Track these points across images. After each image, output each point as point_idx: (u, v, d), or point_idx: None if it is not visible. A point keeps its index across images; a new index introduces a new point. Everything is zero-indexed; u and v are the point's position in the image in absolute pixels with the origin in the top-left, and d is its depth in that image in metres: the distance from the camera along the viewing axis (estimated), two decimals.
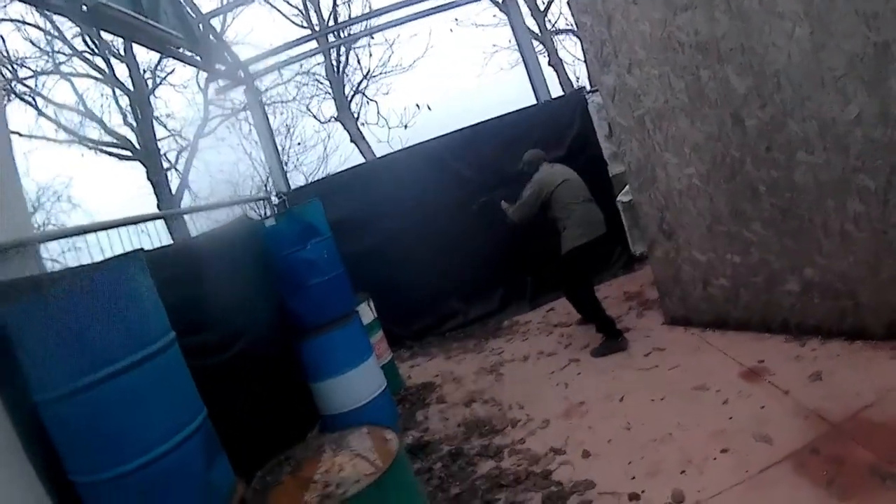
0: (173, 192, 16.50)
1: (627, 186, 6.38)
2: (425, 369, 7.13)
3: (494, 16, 18.40)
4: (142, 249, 3.24)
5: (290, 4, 17.90)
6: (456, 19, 18.71)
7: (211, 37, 7.19)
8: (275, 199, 7.52)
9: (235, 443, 3.80)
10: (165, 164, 17.17)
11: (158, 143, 16.82)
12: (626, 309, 6.62)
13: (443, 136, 8.16)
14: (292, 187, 8.85)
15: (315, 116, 19.06)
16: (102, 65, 16.07)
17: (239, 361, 4.64)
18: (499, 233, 7.26)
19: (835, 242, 4.23)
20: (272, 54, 8.72)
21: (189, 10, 6.75)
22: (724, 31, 4.33)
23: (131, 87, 16.14)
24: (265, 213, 6.65)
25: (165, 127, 18.03)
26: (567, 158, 7.45)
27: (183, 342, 3.63)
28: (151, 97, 16.78)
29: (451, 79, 31.67)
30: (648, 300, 6.59)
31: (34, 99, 15.66)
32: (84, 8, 4.95)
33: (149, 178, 16.04)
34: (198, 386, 3.78)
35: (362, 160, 15.68)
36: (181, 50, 6.57)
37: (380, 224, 7.89)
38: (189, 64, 7.16)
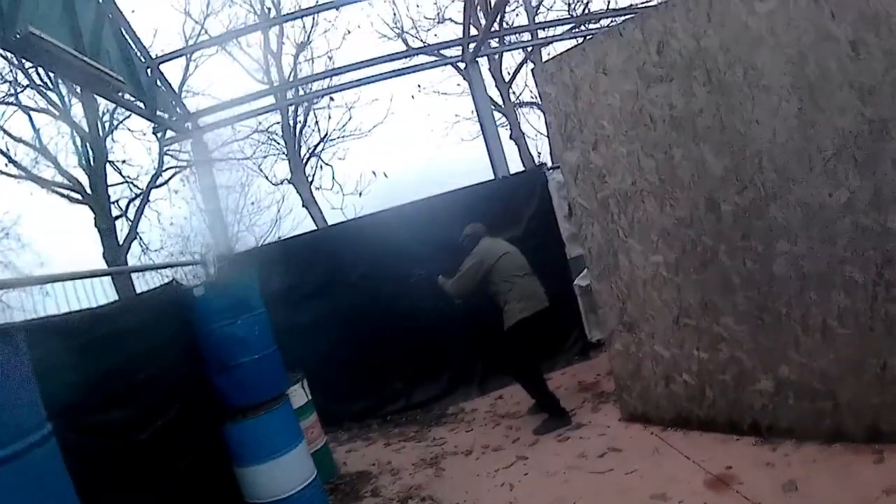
0: (121, 241, 15.82)
1: (585, 270, 6.01)
2: (363, 456, 6.54)
3: (458, 84, 18.32)
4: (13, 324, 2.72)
5: (252, 58, 17.68)
6: (419, 85, 18.59)
7: (158, 84, 6.76)
8: (204, 268, 6.95)
9: None
10: (116, 212, 16.55)
11: (109, 189, 16.23)
12: (581, 402, 6.14)
13: (394, 208, 7.75)
14: (243, 248, 8.39)
15: (267, 178, 18.64)
16: (58, 100, 15.57)
17: (153, 442, 4.16)
18: (447, 311, 6.81)
19: (815, 339, 3.87)
20: (225, 107, 8.34)
21: (137, 54, 6.36)
22: (702, 106, 4.01)
23: (86, 128, 15.59)
24: (202, 277, 6.14)
25: (120, 173, 17.45)
26: (524, 238, 7.15)
27: (89, 419, 3.52)
28: (108, 140, 16.25)
29: (410, 147, 31.51)
30: (604, 392, 6.12)
31: None
32: (15, 36, 4.54)
33: (96, 225, 15.37)
34: (101, 468, 3.46)
35: (313, 226, 15.23)
36: (122, 95, 6.12)
37: (323, 297, 7.41)
38: (129, 110, 6.75)
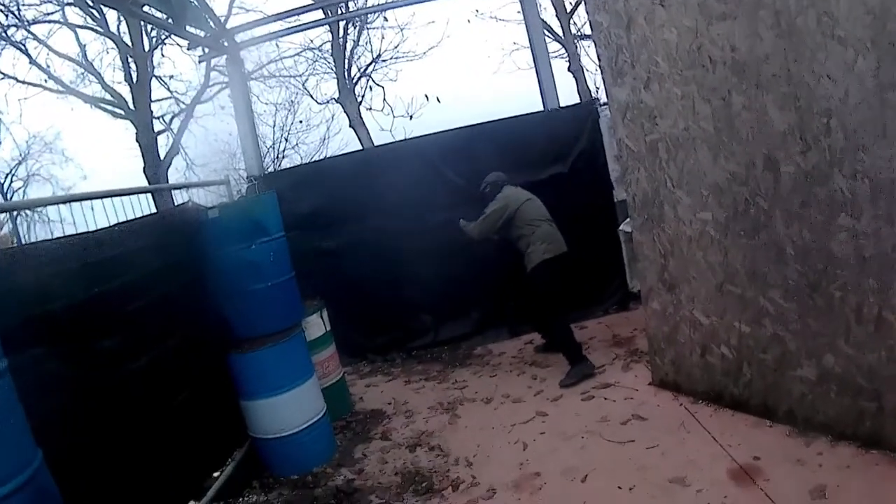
0: (162, 156, 15.69)
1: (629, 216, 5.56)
2: (381, 392, 6.33)
3: (518, 12, 17.32)
4: None
5: None
6: (476, 10, 17.60)
7: None
8: (237, 185, 6.63)
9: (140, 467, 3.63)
10: (160, 127, 16.42)
11: (154, 104, 16.02)
12: (612, 358, 5.75)
13: (434, 134, 7.30)
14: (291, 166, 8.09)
15: (312, 96, 18.09)
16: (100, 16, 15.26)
17: (147, 372, 4.00)
18: (485, 248, 6.45)
19: (867, 330, 3.37)
20: (267, 22, 7.89)
21: None
22: (768, 52, 3.45)
23: (129, 43, 15.31)
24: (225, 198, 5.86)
25: (168, 88, 17.23)
26: (570, 175, 6.71)
27: (76, 348, 3.39)
28: (155, 55, 15.93)
29: (464, 73, 30.09)
30: (638, 350, 5.71)
31: (24, 46, 14.90)
32: None
33: (137, 140, 15.24)
34: (89, 400, 3.42)
35: (360, 147, 14.80)
36: (145, 9, 5.73)
37: (355, 223, 7.09)
38: (155, 25, 6.39)
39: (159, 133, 16.07)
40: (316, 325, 5.59)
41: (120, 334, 3.78)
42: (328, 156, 14.79)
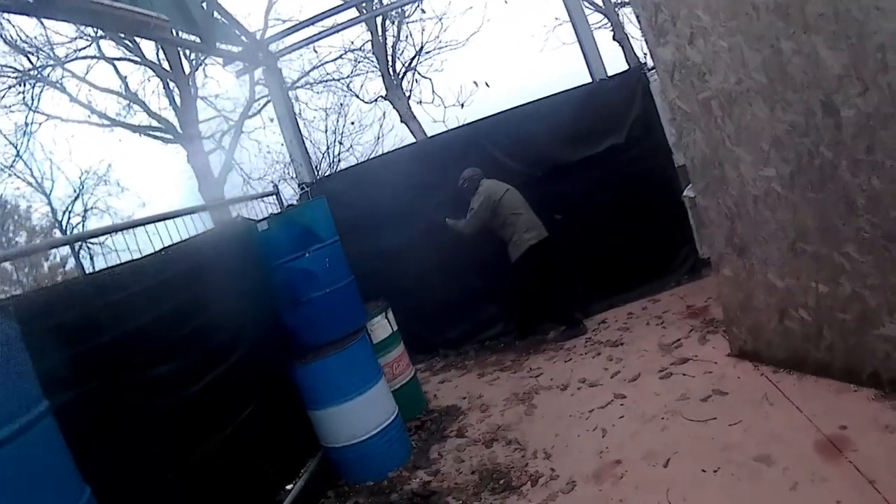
0: (216, 174, 15.90)
1: None
2: (454, 388, 6.23)
3: None
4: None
5: None
6: None
7: (216, 15, 6.32)
8: (288, 194, 6.62)
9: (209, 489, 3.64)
10: (212, 145, 16.65)
11: (201, 125, 16.21)
12: (688, 331, 5.50)
13: (483, 119, 7.11)
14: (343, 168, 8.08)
15: (358, 96, 18.07)
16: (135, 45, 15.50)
17: (216, 389, 4.04)
18: (548, 228, 6.36)
19: None
20: (298, 29, 7.83)
21: None
22: None
23: (168, 68, 15.50)
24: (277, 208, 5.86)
25: (215, 107, 17.48)
26: (626, 146, 6.51)
27: (140, 374, 3.43)
28: (197, 77, 16.14)
29: (509, 54, 29.54)
30: (714, 320, 5.44)
31: (61, 84, 15.26)
32: None
33: (189, 163, 15.47)
34: (162, 421, 3.49)
35: (414, 141, 14.75)
36: (176, 33, 5.72)
37: (414, 216, 6.96)
38: (185, 48, 6.40)
39: (210, 152, 16.31)
40: (382, 326, 5.52)
41: (178, 358, 3.80)
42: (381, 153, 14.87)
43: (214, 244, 4.55)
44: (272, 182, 15.49)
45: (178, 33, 5.78)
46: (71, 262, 19.15)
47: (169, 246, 4.11)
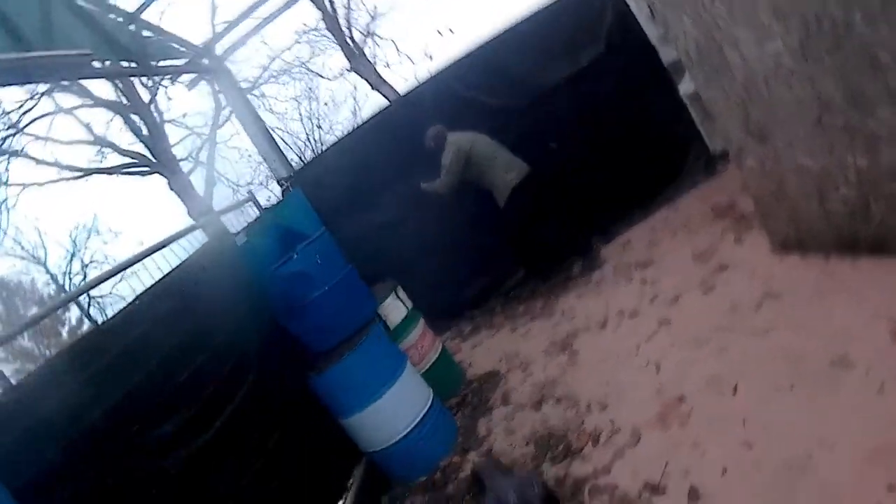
0: (202, 192, 15.46)
1: (687, 74, 4.85)
2: (488, 350, 5.88)
3: None
4: None
5: None
6: None
7: (147, 33, 5.88)
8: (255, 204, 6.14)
9: None
10: (189, 165, 16.21)
11: (175, 147, 15.79)
12: (720, 233, 5.04)
13: (449, 66, 6.58)
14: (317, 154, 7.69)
15: (320, 75, 17.77)
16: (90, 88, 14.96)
17: (237, 423, 3.74)
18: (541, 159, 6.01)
19: None
20: (235, 24, 7.35)
21: (108, 15, 5.46)
22: None
23: (126, 102, 14.95)
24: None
25: (186, 126, 17.13)
26: (609, 56, 6.01)
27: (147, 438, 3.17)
28: (158, 102, 15.57)
29: None
30: (744, 216, 4.97)
31: (24, 151, 14.80)
32: None
33: (171, 188, 15.04)
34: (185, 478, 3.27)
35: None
36: (96, 65, 5.30)
37: (404, 182, 6.49)
38: (120, 76, 6.06)
39: (190, 172, 15.90)
40: (394, 308, 5.14)
41: (181, 408, 3.47)
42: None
43: (190, 275, 4.16)
44: (262, 184, 15.08)
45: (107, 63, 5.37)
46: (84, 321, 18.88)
47: (135, 299, 3.74)
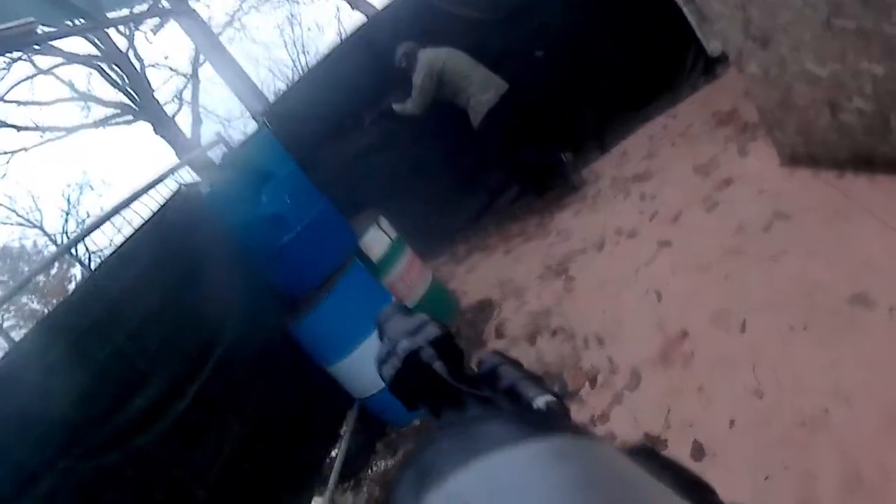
0: (189, 133, 14.87)
1: None
2: (482, 275, 5.60)
3: None
4: None
5: None
6: None
7: None
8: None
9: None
10: (175, 107, 15.60)
11: (160, 90, 15.28)
12: (723, 142, 4.63)
13: None
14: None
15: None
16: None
17: (215, 387, 3.55)
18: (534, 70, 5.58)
19: None
20: None
21: None
22: None
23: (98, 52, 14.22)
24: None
25: (170, 68, 16.51)
26: None
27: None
28: (136, 50, 14.83)
29: None
30: (748, 124, 4.55)
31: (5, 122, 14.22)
32: None
33: (157, 133, 14.47)
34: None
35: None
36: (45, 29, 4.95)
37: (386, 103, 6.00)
38: (72, 35, 5.78)
39: (176, 114, 15.27)
40: (376, 240, 4.81)
41: (153, 381, 3.22)
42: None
43: (157, 233, 3.83)
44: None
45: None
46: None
47: (96, 269, 3.46)
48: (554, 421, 0.42)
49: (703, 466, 2.72)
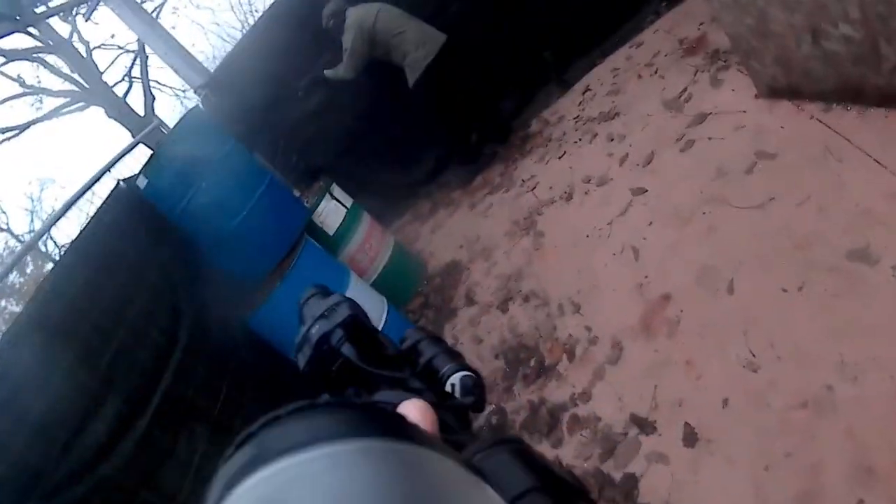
0: (142, 112, 14.13)
1: None
2: (448, 233, 5.25)
3: None
4: None
5: None
6: None
7: None
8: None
9: None
10: (125, 86, 14.76)
11: (109, 70, 14.46)
12: (692, 74, 4.22)
13: None
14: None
15: None
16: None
17: (176, 396, 3.24)
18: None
19: None
20: None
21: None
22: None
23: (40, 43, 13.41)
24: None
25: (119, 46, 15.49)
26: None
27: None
28: (81, 34, 14.00)
29: None
30: (719, 51, 4.14)
31: None
32: None
33: (109, 116, 13.73)
34: None
35: None
36: None
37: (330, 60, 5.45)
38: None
39: (126, 93, 14.44)
40: (331, 211, 4.46)
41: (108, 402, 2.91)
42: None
43: (96, 240, 3.45)
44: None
45: None
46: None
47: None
48: (392, 422, 0.36)
49: (697, 454, 2.47)
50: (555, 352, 3.38)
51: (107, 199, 3.71)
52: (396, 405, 0.47)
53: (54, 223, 4.00)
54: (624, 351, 3.06)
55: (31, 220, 17.39)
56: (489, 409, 3.37)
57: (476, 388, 0.74)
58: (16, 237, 16.64)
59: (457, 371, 0.75)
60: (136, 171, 3.86)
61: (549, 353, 3.41)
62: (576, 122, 4.99)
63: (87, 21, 7.38)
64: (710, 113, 3.80)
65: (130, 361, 3.12)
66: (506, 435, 0.66)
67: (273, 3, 5.91)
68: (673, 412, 2.65)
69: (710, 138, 3.66)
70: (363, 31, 5.01)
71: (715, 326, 2.78)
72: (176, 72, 6.60)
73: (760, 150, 3.27)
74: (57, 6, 6.13)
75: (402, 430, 0.35)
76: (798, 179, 2.96)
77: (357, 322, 0.81)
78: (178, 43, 6.62)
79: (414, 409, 0.47)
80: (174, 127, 3.93)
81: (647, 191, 3.77)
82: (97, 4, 6.71)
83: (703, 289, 2.96)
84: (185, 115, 4.04)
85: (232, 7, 16.76)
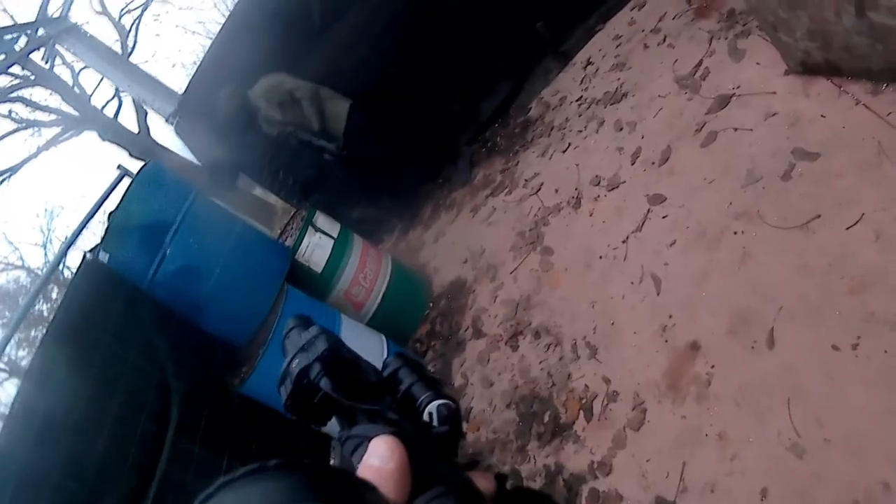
0: (137, 130, 13.75)
1: None
2: (452, 242, 4.77)
3: None
4: None
5: None
6: None
7: None
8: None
9: None
10: (115, 105, 14.44)
11: (97, 91, 13.96)
12: (707, 42, 3.55)
13: None
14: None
15: None
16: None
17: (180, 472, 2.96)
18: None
19: None
20: None
21: None
22: None
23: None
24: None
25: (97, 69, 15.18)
26: None
27: None
28: (65, 60, 13.66)
29: None
30: (736, 13, 3.47)
31: None
32: None
33: (103, 139, 13.38)
34: None
35: None
36: None
37: (306, 64, 4.96)
38: None
39: (117, 112, 14.12)
40: (316, 246, 4.00)
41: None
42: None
43: (67, 328, 3.02)
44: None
45: None
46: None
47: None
48: (340, 487, 0.38)
49: None
50: (571, 407, 2.89)
51: (75, 276, 3.27)
52: (371, 439, 0.49)
53: (56, 267, 3.99)
54: (647, 413, 2.56)
55: (45, 253, 17.44)
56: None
57: (451, 417, 0.69)
58: (29, 271, 16.73)
59: (433, 400, 0.69)
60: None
61: (564, 407, 2.92)
62: (579, 104, 4.36)
63: (49, 68, 7.17)
64: (733, 94, 3.17)
65: (121, 459, 2.81)
66: (457, 481, 0.49)
67: (229, 15, 5.37)
68: (703, 499, 2.15)
69: (735, 129, 3.04)
70: (308, 93, 4.56)
71: (752, 391, 2.24)
72: (143, 103, 6.21)
73: (798, 147, 2.65)
74: (10, 55, 5.65)
75: (348, 496, 0.37)
76: (847, 190, 2.37)
77: (334, 355, 0.77)
78: (144, 72, 6.26)
79: (383, 446, 0.47)
80: (125, 192, 3.44)
81: (665, 199, 3.18)
82: (54, 51, 6.47)
83: (738, 339, 2.40)
84: (136, 175, 3.56)
85: (215, 4, 16.22)
